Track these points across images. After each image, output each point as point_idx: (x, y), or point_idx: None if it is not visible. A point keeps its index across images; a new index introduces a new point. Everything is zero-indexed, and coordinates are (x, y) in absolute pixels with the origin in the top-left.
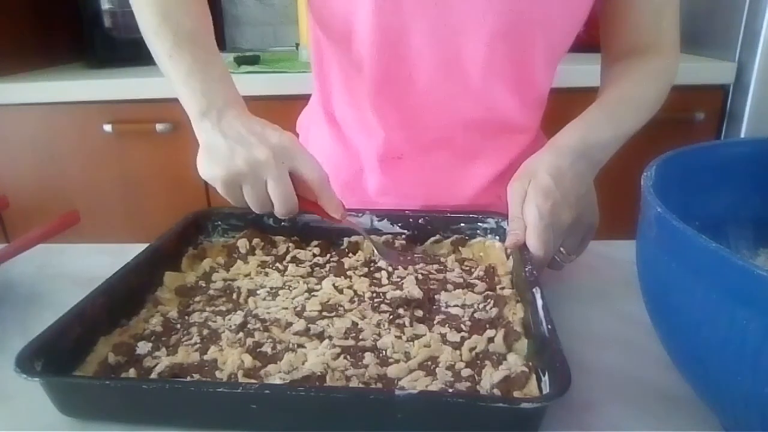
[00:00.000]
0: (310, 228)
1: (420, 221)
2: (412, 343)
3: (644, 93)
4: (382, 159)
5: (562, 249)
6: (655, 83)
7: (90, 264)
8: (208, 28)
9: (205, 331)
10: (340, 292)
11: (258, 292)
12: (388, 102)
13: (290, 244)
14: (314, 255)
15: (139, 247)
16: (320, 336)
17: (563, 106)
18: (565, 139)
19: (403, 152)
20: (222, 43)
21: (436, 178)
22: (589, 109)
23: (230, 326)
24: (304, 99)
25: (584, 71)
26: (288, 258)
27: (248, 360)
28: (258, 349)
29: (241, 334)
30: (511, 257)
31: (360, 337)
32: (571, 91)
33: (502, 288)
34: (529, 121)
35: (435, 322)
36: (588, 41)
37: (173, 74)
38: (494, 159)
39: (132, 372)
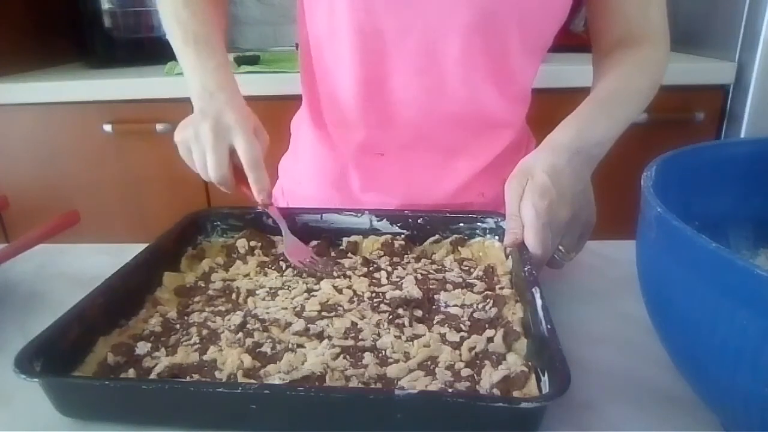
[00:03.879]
0: (309, 228)
1: (419, 221)
2: (411, 343)
3: (636, 84)
4: (364, 156)
5: (560, 247)
6: (646, 73)
7: (90, 264)
8: (214, 27)
9: (205, 332)
10: (340, 292)
11: (257, 292)
12: (367, 100)
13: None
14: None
15: (138, 247)
16: (320, 336)
17: (557, 105)
18: (560, 137)
19: (385, 149)
20: None
21: (418, 174)
22: (583, 104)
23: (229, 326)
24: None
25: (578, 71)
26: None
27: (248, 360)
28: (257, 349)
29: (240, 335)
30: (510, 257)
31: (359, 337)
32: (566, 91)
33: (502, 288)
34: (512, 115)
35: (434, 322)
36: (585, 41)
37: (182, 67)
38: (477, 155)
39: (131, 372)
